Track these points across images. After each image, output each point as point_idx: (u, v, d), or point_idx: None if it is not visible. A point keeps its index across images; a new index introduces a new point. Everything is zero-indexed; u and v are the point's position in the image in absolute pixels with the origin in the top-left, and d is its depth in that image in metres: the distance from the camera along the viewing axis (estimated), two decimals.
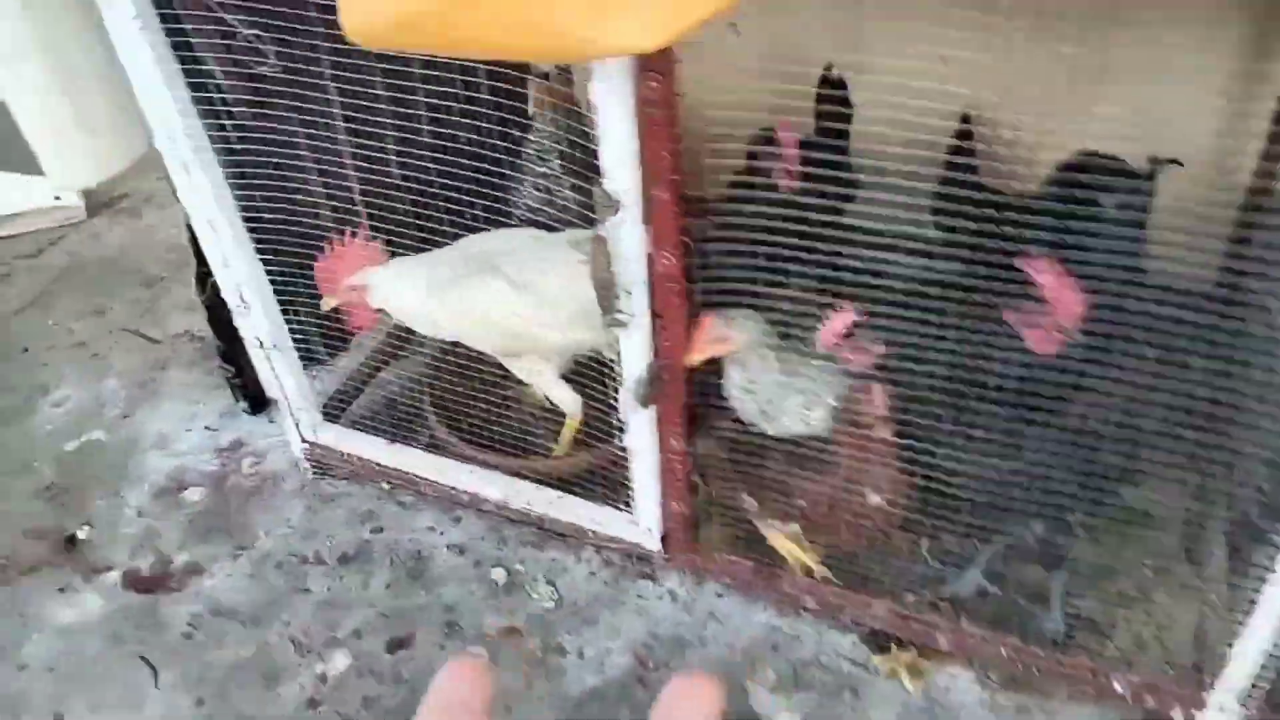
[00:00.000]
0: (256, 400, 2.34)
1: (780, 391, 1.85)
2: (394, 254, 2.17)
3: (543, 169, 2.34)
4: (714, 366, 1.86)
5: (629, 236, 1.59)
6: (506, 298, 2.03)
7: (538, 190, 2.36)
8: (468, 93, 1.89)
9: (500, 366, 2.29)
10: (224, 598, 2.31)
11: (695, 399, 1.90)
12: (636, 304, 1.68)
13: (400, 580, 2.31)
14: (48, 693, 2.15)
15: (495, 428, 2.32)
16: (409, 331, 2.65)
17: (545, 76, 2.33)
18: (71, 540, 2.46)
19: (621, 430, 1.98)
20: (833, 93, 2.12)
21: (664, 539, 2.15)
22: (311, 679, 2.13)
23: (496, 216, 2.18)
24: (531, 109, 2.30)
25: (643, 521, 2.11)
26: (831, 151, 1.73)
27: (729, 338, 1.79)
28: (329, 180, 2.17)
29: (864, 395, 1.83)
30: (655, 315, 1.71)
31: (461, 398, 2.34)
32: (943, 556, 2.08)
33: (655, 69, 1.39)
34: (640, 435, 1.92)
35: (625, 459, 2.06)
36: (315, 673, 2.14)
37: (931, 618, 1.97)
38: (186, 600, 2.31)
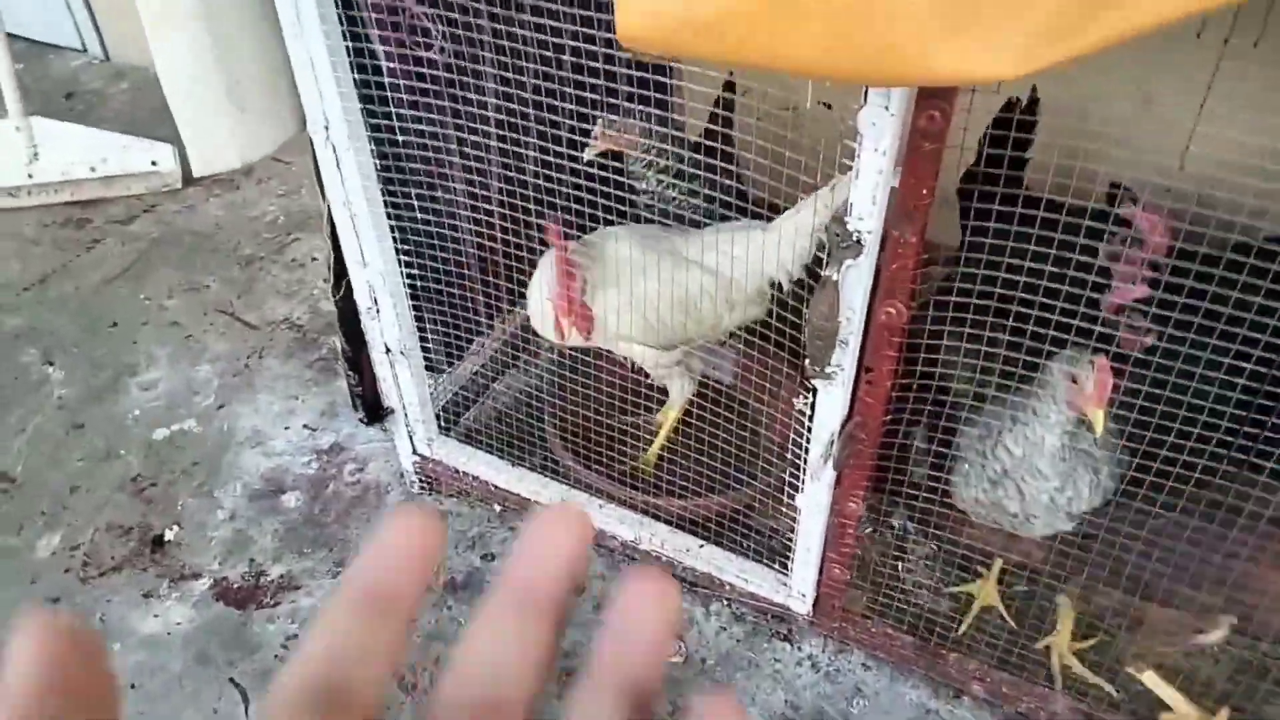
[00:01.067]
0: (374, 409, 2.15)
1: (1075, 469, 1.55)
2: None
3: (644, 185, 2.13)
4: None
5: (859, 282, 1.38)
6: (701, 281, 1.86)
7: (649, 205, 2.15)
8: (608, 83, 1.69)
9: (625, 392, 2.10)
10: None
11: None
12: (848, 357, 1.48)
13: None
14: (127, 712, 1.98)
15: (621, 459, 2.13)
16: (525, 341, 2.47)
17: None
18: (159, 541, 2.29)
19: (783, 480, 1.79)
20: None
21: (814, 603, 1.95)
22: None
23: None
24: (590, 153, 1.90)
25: (796, 584, 1.91)
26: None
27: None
28: (471, 178, 1.97)
29: None
30: (865, 370, 1.51)
31: (588, 421, 2.15)
32: None
33: (940, 98, 1.18)
34: (816, 495, 1.72)
35: (759, 505, 1.94)
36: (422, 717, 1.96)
37: None
38: (281, 618, 2.13)
